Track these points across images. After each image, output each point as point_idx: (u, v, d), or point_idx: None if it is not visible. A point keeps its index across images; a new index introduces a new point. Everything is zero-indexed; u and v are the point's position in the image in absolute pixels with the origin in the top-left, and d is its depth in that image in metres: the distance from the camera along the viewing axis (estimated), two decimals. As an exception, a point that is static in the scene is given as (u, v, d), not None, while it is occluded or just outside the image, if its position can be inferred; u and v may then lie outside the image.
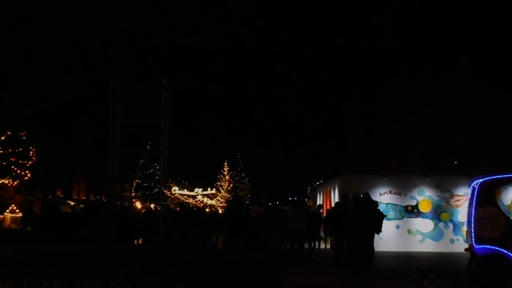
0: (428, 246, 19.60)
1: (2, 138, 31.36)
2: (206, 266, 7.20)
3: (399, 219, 19.91)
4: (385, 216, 15.72)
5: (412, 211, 19.95)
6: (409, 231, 19.90)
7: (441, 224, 19.85)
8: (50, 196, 48.01)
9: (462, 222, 18.33)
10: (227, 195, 50.91)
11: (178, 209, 25.67)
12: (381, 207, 17.26)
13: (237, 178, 54.50)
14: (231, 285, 6.73)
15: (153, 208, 34.53)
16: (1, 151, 31.09)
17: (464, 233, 15.98)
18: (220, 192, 52.94)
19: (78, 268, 7.06)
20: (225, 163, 54.62)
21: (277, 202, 59.04)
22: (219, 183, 53.81)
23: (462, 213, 18.79)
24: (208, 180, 54.85)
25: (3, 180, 31.73)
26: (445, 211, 19.93)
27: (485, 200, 11.13)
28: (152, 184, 51.00)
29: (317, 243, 20.76)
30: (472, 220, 11.17)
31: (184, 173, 56.95)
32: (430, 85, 42.10)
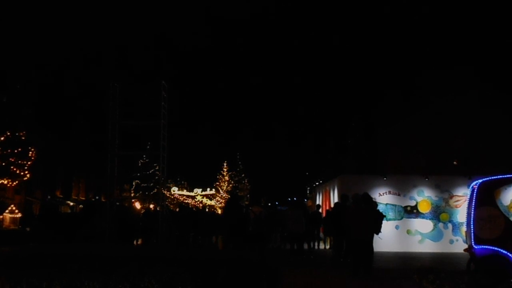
0: (427, 247, 19.61)
1: (2, 138, 31.34)
2: (206, 266, 7.21)
3: (398, 220, 19.91)
4: (384, 216, 15.71)
5: (412, 211, 19.96)
6: (408, 232, 19.90)
7: (441, 225, 19.86)
8: (49, 197, 47.98)
9: (462, 223, 18.33)
10: (227, 195, 50.92)
11: (177, 209, 25.68)
12: (380, 208, 17.26)
13: (236, 179, 54.52)
14: (231, 285, 6.74)
15: (152, 209, 34.53)
16: (0, 152, 31.08)
17: (464, 233, 15.99)
18: (219, 192, 52.95)
19: (78, 269, 7.07)
20: (225, 164, 54.67)
21: (276, 203, 59.03)
22: (219, 184, 53.83)
23: (461, 213, 18.80)
24: (208, 181, 54.92)
25: (3, 181, 31.71)
26: (444, 212, 19.93)
27: (485, 201, 11.14)
28: (152, 184, 51.00)
29: (316, 244, 20.76)
30: (472, 221, 11.19)
31: (184, 174, 57.00)
32: (430, 85, 42.06)
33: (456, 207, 19.85)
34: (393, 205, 19.99)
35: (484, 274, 10.65)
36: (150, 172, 51.13)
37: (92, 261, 7.90)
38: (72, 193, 54.24)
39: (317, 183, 43.99)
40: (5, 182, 31.92)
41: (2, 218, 31.91)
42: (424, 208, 19.96)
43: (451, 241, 19.70)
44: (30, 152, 32.59)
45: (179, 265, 7.19)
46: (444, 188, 20.04)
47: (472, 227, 11.16)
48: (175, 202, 48.98)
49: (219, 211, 41.66)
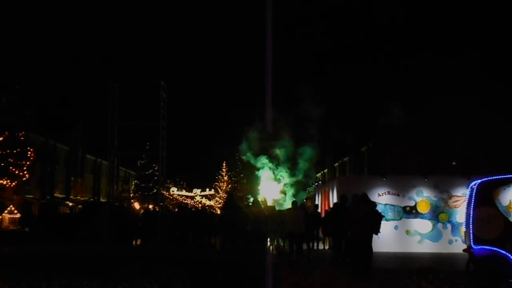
0: (426, 247, 19.60)
1: (0, 138, 31.32)
2: (205, 266, 7.21)
3: (397, 220, 19.90)
4: (383, 216, 15.71)
5: (411, 211, 19.96)
6: (407, 232, 19.89)
7: (440, 225, 19.85)
8: (48, 197, 47.93)
9: (461, 223, 18.33)
10: (226, 196, 50.87)
11: (176, 210, 25.70)
12: (379, 208, 17.23)
13: (235, 179, 54.47)
14: (230, 285, 6.74)
15: (151, 209, 34.52)
16: None
17: (463, 233, 15.98)
18: (218, 192, 52.92)
19: (77, 269, 7.07)
20: (224, 164, 54.63)
21: (276, 203, 58.95)
22: (218, 184, 53.79)
23: (460, 213, 18.80)
24: (207, 181, 54.87)
25: (1, 181, 31.70)
26: (443, 212, 19.93)
27: (484, 201, 11.14)
28: (151, 184, 50.97)
29: (315, 244, 20.75)
30: (471, 221, 11.19)
31: (183, 174, 56.96)
32: (429, 85, 42.11)
33: (455, 207, 19.85)
34: (392, 205, 19.98)
35: (483, 275, 10.67)
36: (149, 172, 51.10)
37: (91, 262, 7.90)
38: (71, 193, 54.21)
39: (316, 183, 43.99)
40: (4, 182, 31.90)
41: (1, 219, 31.86)
42: (423, 208, 19.96)
43: (450, 241, 19.69)
44: (29, 152, 32.58)
45: (178, 265, 7.19)
46: (443, 189, 20.03)
47: (471, 227, 11.16)
48: (174, 202, 48.92)
49: (218, 212, 41.64)
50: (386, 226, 17.85)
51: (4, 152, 31.15)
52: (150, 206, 42.89)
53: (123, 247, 17.09)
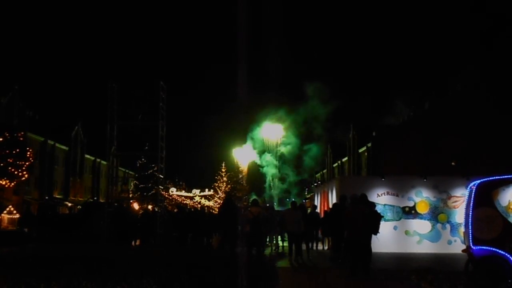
0: (425, 247, 19.59)
1: (0, 139, 31.30)
2: (204, 267, 7.21)
3: (396, 220, 19.90)
4: (382, 217, 15.71)
5: (410, 212, 19.95)
6: (406, 232, 19.89)
7: (439, 225, 19.85)
8: (47, 197, 47.91)
9: (460, 223, 18.33)
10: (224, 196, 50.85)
11: (176, 210, 25.68)
12: (378, 208, 17.24)
13: (235, 179, 54.45)
14: (229, 285, 6.74)
15: (150, 209, 34.50)
16: (-1, 152, 31.03)
17: (462, 234, 15.99)
18: (217, 193, 52.89)
19: (76, 269, 7.07)
20: (223, 164, 54.62)
21: (275, 203, 59.00)
22: (217, 184, 53.77)
23: (459, 214, 18.79)
24: (206, 181, 54.84)
25: (0, 181, 31.66)
26: (442, 212, 19.93)
27: (483, 201, 11.14)
28: (150, 185, 50.90)
29: (314, 244, 20.76)
30: (470, 221, 11.19)
31: (182, 174, 56.93)
32: (429, 86, 42.19)
33: (454, 207, 19.85)
34: (391, 205, 19.98)
35: (483, 275, 10.66)
36: (149, 172, 51.04)
37: (90, 262, 7.90)
38: (70, 194, 54.19)
39: (315, 184, 44.03)
40: (3, 182, 31.87)
41: (0, 219, 31.85)
42: (422, 208, 19.96)
43: (449, 242, 19.69)
44: (28, 153, 32.57)
45: (177, 265, 7.19)
46: (442, 189, 20.03)
47: (470, 228, 11.16)
48: (173, 203, 48.88)
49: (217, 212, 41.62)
50: (385, 227, 17.84)
51: (3, 153, 31.12)
52: (149, 207, 42.85)
53: (122, 248, 17.08)
